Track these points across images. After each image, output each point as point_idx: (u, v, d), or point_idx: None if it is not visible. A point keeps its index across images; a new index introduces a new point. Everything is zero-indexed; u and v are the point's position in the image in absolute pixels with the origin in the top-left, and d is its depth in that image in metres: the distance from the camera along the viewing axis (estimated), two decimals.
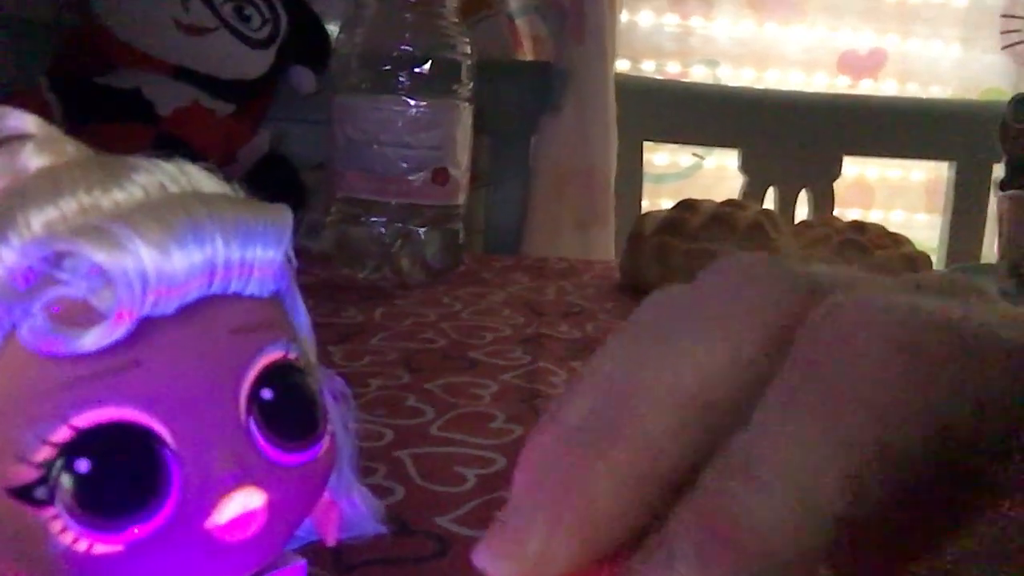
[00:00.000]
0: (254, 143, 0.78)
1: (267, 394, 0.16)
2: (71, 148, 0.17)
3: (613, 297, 0.76)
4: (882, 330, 0.12)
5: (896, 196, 1.37)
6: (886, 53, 1.31)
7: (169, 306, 0.14)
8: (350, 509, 0.20)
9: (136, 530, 0.14)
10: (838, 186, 1.20)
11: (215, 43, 0.76)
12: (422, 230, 0.76)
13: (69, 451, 0.14)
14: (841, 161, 1.19)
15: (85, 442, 0.14)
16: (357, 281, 0.74)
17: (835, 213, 1.19)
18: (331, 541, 0.18)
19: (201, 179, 0.17)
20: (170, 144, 0.73)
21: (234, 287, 0.15)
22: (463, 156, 0.76)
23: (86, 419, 0.14)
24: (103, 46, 0.77)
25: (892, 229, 0.83)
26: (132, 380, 0.14)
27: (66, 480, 0.14)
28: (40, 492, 0.13)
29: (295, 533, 0.18)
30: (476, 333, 0.62)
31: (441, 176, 0.74)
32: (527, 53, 1.07)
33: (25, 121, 0.16)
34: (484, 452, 0.42)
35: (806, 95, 1.21)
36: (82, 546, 0.14)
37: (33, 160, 0.16)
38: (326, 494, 0.18)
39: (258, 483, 0.15)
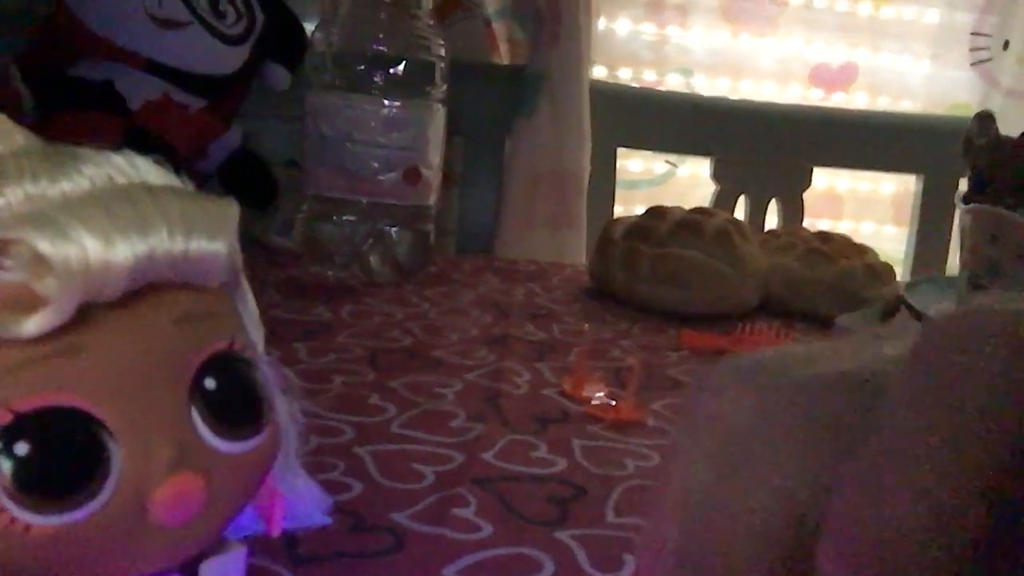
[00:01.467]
0: (226, 139, 0.78)
1: (210, 383, 0.16)
2: (20, 137, 0.17)
3: (581, 300, 0.77)
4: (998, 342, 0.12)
5: (865, 208, 1.39)
6: (858, 67, 1.33)
7: (112, 294, 0.15)
8: (295, 500, 0.20)
9: (74, 512, 0.14)
10: (808, 197, 1.21)
11: (188, 37, 0.75)
12: (393, 229, 0.76)
13: (9, 434, 0.14)
14: (811, 172, 1.20)
15: (25, 425, 0.14)
16: (326, 279, 0.74)
17: (805, 223, 1.21)
18: (275, 531, 0.19)
19: (149, 171, 0.17)
20: (141, 137, 0.73)
21: (180, 277, 0.16)
22: (435, 156, 0.77)
23: (26, 403, 0.14)
24: (75, 37, 0.76)
25: (861, 240, 0.84)
26: (73, 366, 0.14)
27: (5, 462, 0.14)
28: None
29: (242, 523, 0.18)
30: (443, 332, 0.63)
31: (413, 176, 0.75)
32: (503, 56, 1.08)
33: None
34: (443, 450, 0.43)
35: (778, 106, 1.23)
36: (20, 526, 0.14)
37: None
38: (270, 484, 0.19)
39: (198, 469, 0.15)
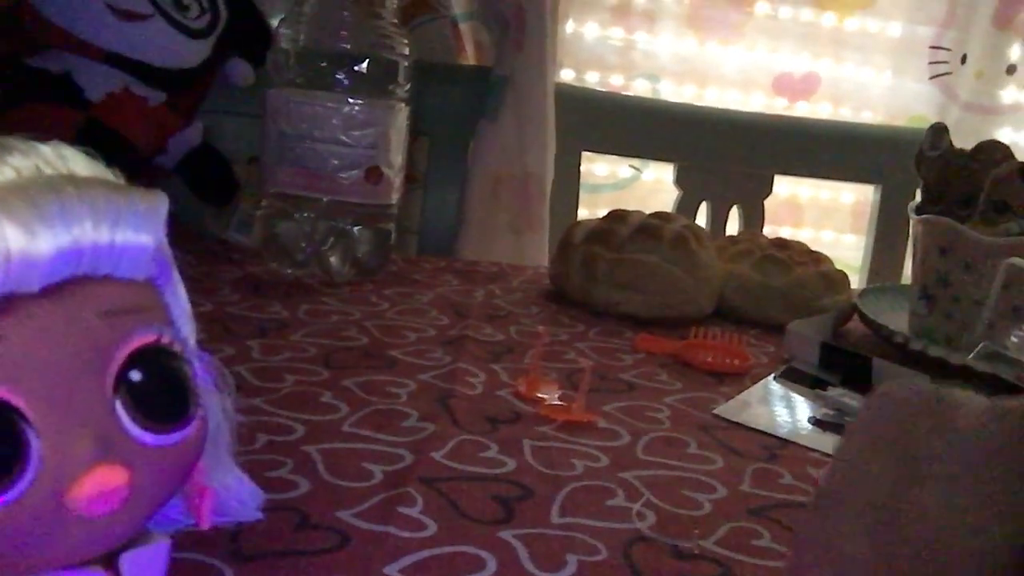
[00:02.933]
0: (186, 134, 0.77)
1: (136, 375, 0.16)
2: None
3: (540, 302, 0.77)
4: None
5: (825, 216, 1.42)
6: (820, 77, 1.36)
7: (34, 285, 0.15)
8: (225, 494, 0.20)
9: None
10: (770, 204, 1.23)
11: (150, 30, 0.75)
12: (354, 228, 0.76)
13: None
14: (772, 180, 1.22)
15: None
16: (284, 276, 0.74)
17: (766, 230, 1.22)
18: (205, 524, 0.19)
19: (78, 162, 0.17)
20: (98, 131, 0.72)
21: (105, 269, 0.16)
22: (397, 156, 0.77)
23: None
24: (35, 27, 0.75)
25: (820, 248, 0.86)
26: None
27: None
28: None
29: (172, 515, 0.18)
30: (399, 332, 0.63)
31: (374, 175, 0.75)
32: (469, 58, 1.08)
33: None
34: (393, 448, 0.43)
35: (742, 114, 1.24)
36: None
37: None
38: (200, 478, 0.19)
39: (121, 461, 0.16)
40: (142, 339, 0.16)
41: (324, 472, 0.40)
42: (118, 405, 0.16)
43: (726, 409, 0.55)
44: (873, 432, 0.19)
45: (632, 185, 1.33)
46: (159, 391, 0.17)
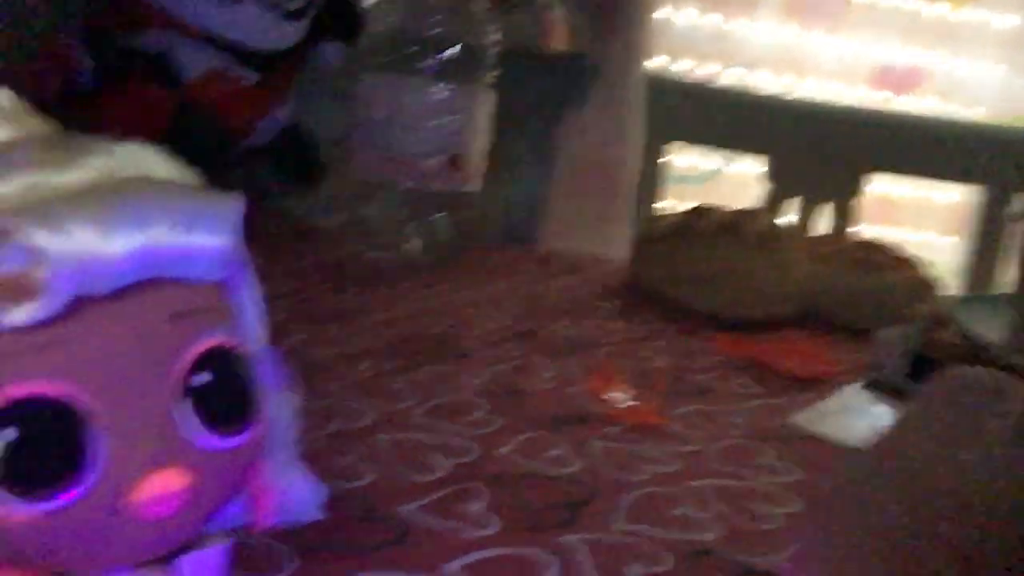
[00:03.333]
0: (277, 115, 0.78)
1: (201, 379, 0.16)
2: (35, 123, 0.17)
3: (616, 297, 0.76)
4: None
5: (922, 216, 1.36)
6: (925, 70, 1.29)
7: (104, 286, 0.15)
8: (287, 493, 0.20)
9: (56, 501, 0.15)
10: (863, 202, 1.19)
11: (247, 12, 0.76)
12: (434, 214, 0.76)
13: None
14: (867, 177, 1.18)
15: (11, 413, 0.14)
16: (364, 260, 0.75)
17: (857, 229, 1.18)
18: (263, 525, 0.19)
19: (155, 164, 0.17)
20: (193, 110, 0.74)
21: (177, 272, 0.16)
22: (481, 143, 0.77)
23: (12, 391, 0.14)
24: (134, 7, 0.77)
25: (915, 249, 0.82)
26: (62, 356, 0.15)
27: None
28: None
29: (231, 513, 0.19)
30: (473, 323, 0.63)
31: (457, 162, 0.75)
32: (559, 44, 1.07)
33: None
34: (461, 442, 0.43)
35: (837, 107, 1.20)
36: (4, 512, 0.14)
37: None
38: (263, 479, 0.19)
39: (182, 465, 0.16)
40: (209, 342, 0.17)
41: (392, 462, 0.40)
42: (182, 408, 0.16)
43: (805, 418, 0.53)
44: (925, 407, 0.19)
45: (718, 177, 1.30)
46: (223, 395, 0.17)
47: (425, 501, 0.37)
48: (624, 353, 0.60)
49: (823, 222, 1.17)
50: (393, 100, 0.73)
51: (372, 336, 0.57)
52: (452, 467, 0.40)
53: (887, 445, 0.19)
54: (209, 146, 0.72)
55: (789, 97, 1.24)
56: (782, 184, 1.16)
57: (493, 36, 0.76)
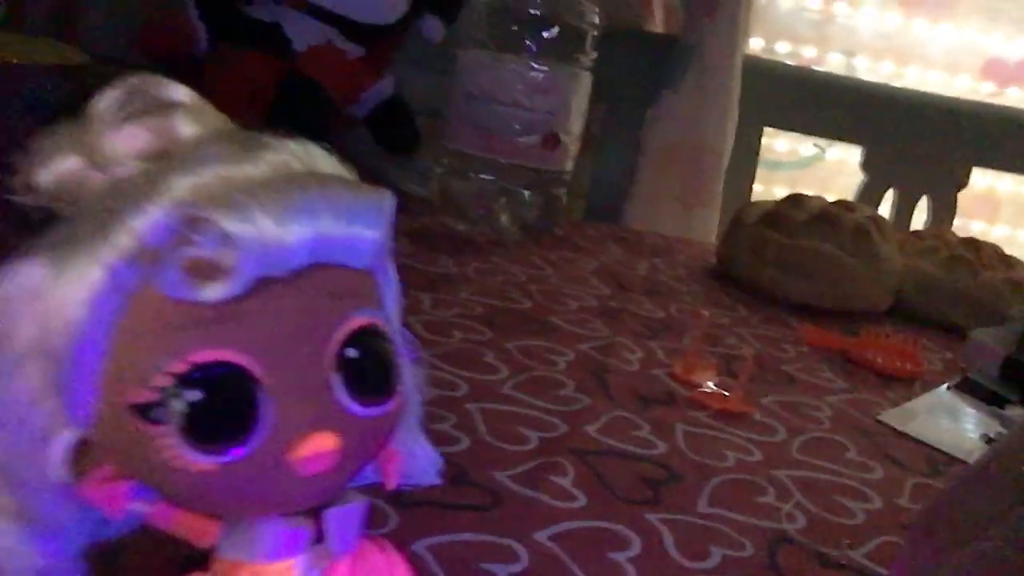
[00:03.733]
0: (379, 86, 0.81)
1: (352, 353, 0.18)
2: (215, 119, 0.19)
3: (703, 281, 0.76)
4: None
5: None
6: None
7: (280, 269, 0.17)
8: (411, 460, 0.22)
9: (229, 455, 0.17)
10: (963, 196, 1.15)
11: None
12: (525, 191, 0.77)
13: (183, 382, 0.16)
14: (969, 171, 1.14)
15: (197, 376, 0.16)
16: (456, 232, 0.77)
17: (956, 225, 1.15)
18: (390, 486, 0.21)
19: (320, 159, 0.19)
20: (300, 80, 0.77)
21: (337, 258, 0.18)
22: (576, 124, 0.77)
23: (200, 356, 0.16)
24: None
25: (1017, 248, 0.80)
26: (241, 328, 0.17)
27: (178, 405, 0.16)
28: (156, 412, 0.16)
29: (363, 473, 0.21)
30: (560, 299, 0.64)
31: (552, 141, 0.76)
32: (657, 24, 1.06)
33: (178, 91, 0.19)
34: (549, 417, 0.45)
35: (940, 98, 1.16)
36: (184, 462, 0.16)
37: (183, 127, 0.18)
38: (390, 444, 0.21)
39: (334, 429, 0.18)
40: (359, 321, 0.18)
41: (483, 431, 0.42)
42: (335, 379, 0.18)
43: (892, 415, 0.53)
44: None
45: (814, 165, 1.28)
46: (370, 368, 0.18)
47: (516, 471, 0.39)
48: (709, 339, 0.60)
49: (920, 216, 1.14)
50: (492, 77, 0.74)
51: (464, 307, 0.59)
52: (540, 440, 0.42)
53: (996, 458, 0.19)
54: (314, 115, 0.75)
55: (888, 85, 1.20)
56: (878, 175, 1.13)
57: (592, 17, 0.76)
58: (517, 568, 0.32)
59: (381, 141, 0.82)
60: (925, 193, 1.14)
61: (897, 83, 1.22)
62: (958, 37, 1.22)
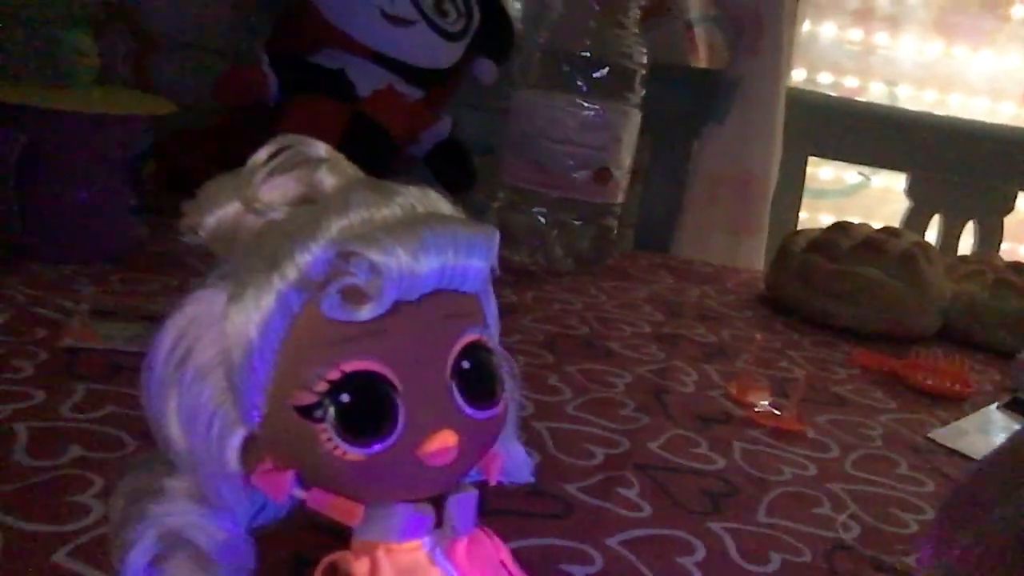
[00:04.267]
0: (437, 127, 0.85)
1: (465, 364, 0.22)
2: (351, 170, 0.23)
3: (753, 307, 0.79)
4: None
5: None
6: None
7: (413, 294, 0.20)
8: (509, 460, 0.26)
9: (373, 447, 0.20)
10: (1010, 222, 1.16)
11: (415, 34, 0.83)
12: (577, 223, 0.81)
13: (337, 387, 0.20)
14: (1015, 196, 1.15)
15: (347, 382, 0.20)
16: (513, 264, 0.80)
17: (1003, 249, 1.15)
18: (493, 481, 0.24)
19: (439, 202, 0.23)
20: (365, 122, 0.81)
21: (454, 285, 0.21)
22: (626, 158, 0.81)
23: (350, 366, 0.20)
24: (315, 28, 0.86)
25: None
26: (381, 343, 0.20)
27: (333, 406, 0.20)
28: (317, 412, 0.20)
29: (470, 472, 0.24)
30: (616, 325, 0.67)
31: (603, 176, 0.79)
32: (701, 60, 1.10)
33: (320, 148, 0.23)
34: (611, 435, 0.48)
35: (983, 124, 1.17)
36: (339, 453, 0.20)
37: (327, 179, 0.22)
38: (493, 448, 0.24)
39: (454, 428, 0.21)
40: (471, 337, 0.22)
41: (551, 448, 0.45)
42: (452, 386, 0.21)
43: (942, 434, 0.55)
44: None
45: (859, 192, 1.30)
46: (480, 378, 0.22)
47: (585, 483, 0.42)
48: (762, 362, 0.63)
49: (967, 240, 1.15)
50: (545, 116, 0.78)
51: (525, 333, 0.62)
52: (605, 456, 0.45)
53: (1004, 452, 0.21)
54: (379, 154, 0.79)
55: (931, 113, 1.22)
56: (923, 201, 1.15)
57: (641, 57, 0.80)
58: (593, 569, 0.35)
59: (440, 179, 0.86)
60: (971, 218, 1.15)
61: (940, 111, 1.24)
62: (999, 64, 1.24)
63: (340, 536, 0.22)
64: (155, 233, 0.65)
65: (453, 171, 0.87)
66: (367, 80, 0.82)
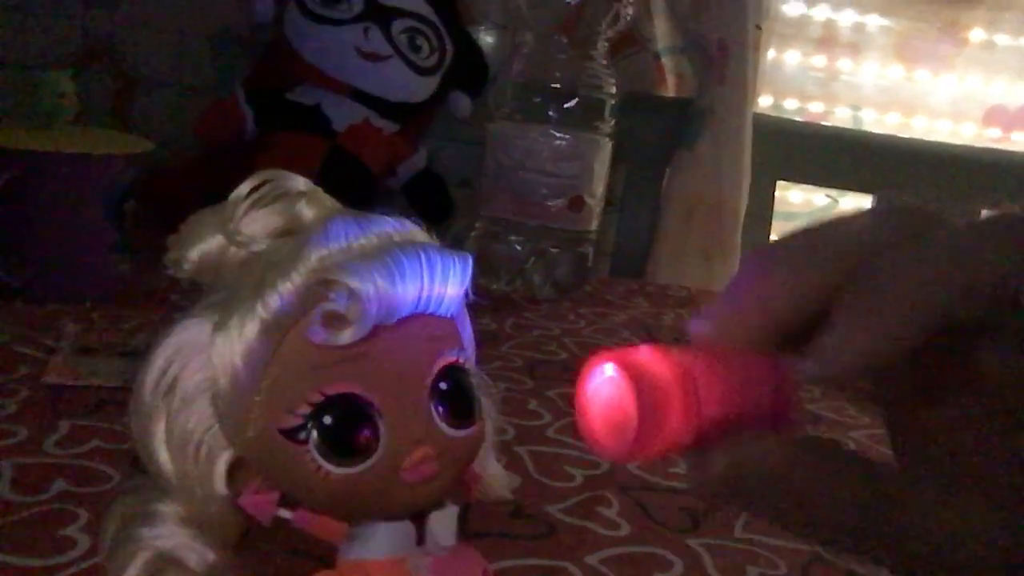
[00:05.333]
0: (413, 160, 0.86)
1: (443, 385, 0.23)
2: (329, 202, 0.24)
3: None
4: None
5: None
6: None
7: (392, 319, 0.21)
8: (488, 478, 0.26)
9: (356, 466, 0.21)
10: None
11: (389, 70, 0.85)
12: (554, 251, 0.82)
13: (320, 409, 0.21)
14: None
15: (329, 405, 0.21)
16: (492, 292, 0.81)
17: None
18: (471, 499, 0.25)
19: (414, 231, 0.24)
20: (341, 156, 0.83)
21: (431, 309, 0.22)
22: (599, 186, 0.82)
23: (332, 389, 0.21)
24: (292, 65, 0.87)
25: None
26: (362, 366, 0.21)
27: (316, 428, 0.21)
28: (301, 434, 0.21)
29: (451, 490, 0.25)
30: (595, 350, 0.68)
31: (577, 203, 0.81)
32: (669, 89, 1.12)
33: (299, 182, 0.24)
34: (591, 457, 0.48)
35: (947, 146, 1.21)
36: (322, 473, 0.21)
37: (307, 211, 0.23)
38: (473, 464, 0.25)
39: (433, 445, 0.22)
40: (448, 359, 0.23)
41: (533, 470, 0.46)
42: (432, 405, 0.22)
43: None
44: None
45: (829, 215, 1.32)
46: (457, 398, 0.23)
47: (566, 504, 0.42)
48: None
49: None
50: (519, 147, 0.80)
51: (505, 360, 0.63)
52: (585, 477, 0.46)
53: None
54: (356, 187, 0.81)
55: (895, 136, 1.25)
56: None
57: (610, 88, 0.82)
58: None
59: (418, 210, 0.87)
60: None
61: (904, 134, 1.27)
62: (959, 87, 1.27)
63: (325, 561, 0.23)
64: (137, 270, 0.65)
65: (430, 202, 0.89)
66: (343, 115, 0.84)
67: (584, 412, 0.19)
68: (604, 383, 0.19)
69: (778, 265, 0.20)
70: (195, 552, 0.21)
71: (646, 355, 0.19)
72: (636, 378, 0.18)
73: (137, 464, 0.23)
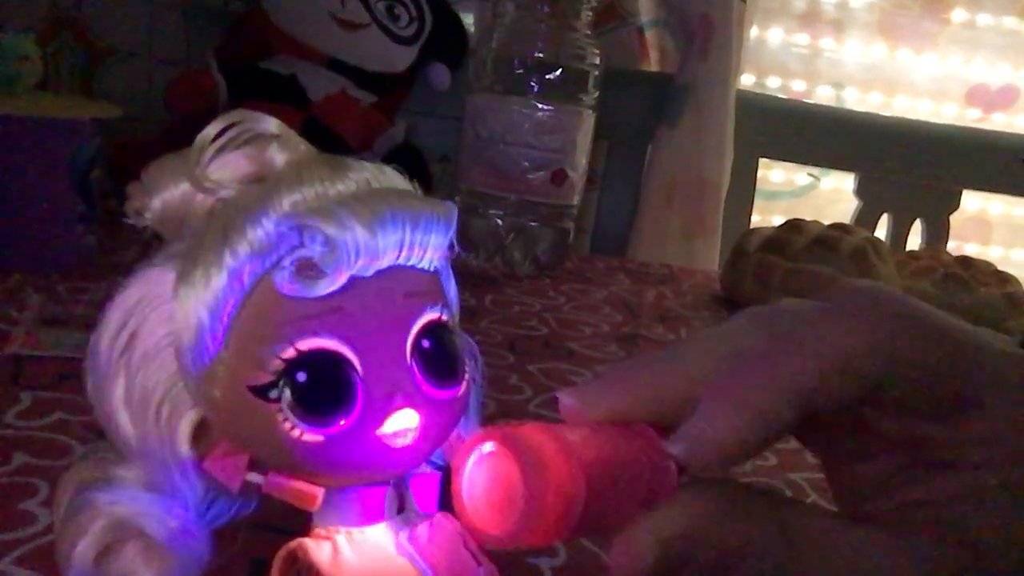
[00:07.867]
0: (391, 133, 0.84)
1: (425, 343, 0.21)
2: (303, 147, 0.22)
3: (710, 307, 0.79)
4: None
5: (1016, 235, 1.34)
6: (1020, 90, 1.29)
7: (369, 270, 0.20)
8: None
9: (332, 428, 0.19)
10: (956, 220, 1.19)
11: (366, 38, 0.83)
12: (535, 225, 0.81)
13: (292, 366, 0.19)
14: (960, 194, 1.18)
15: (303, 361, 0.19)
16: (471, 267, 0.80)
17: (950, 247, 1.18)
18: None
19: (394, 179, 0.22)
20: (317, 128, 0.80)
21: (412, 261, 0.21)
22: (582, 160, 0.81)
23: (305, 344, 0.19)
24: (266, 34, 0.85)
25: (1010, 268, 0.83)
26: (337, 320, 0.20)
27: (289, 386, 0.19)
28: (272, 393, 0.19)
29: (433, 460, 0.23)
30: (576, 326, 0.67)
31: (559, 177, 0.79)
32: (652, 64, 1.11)
33: (270, 123, 0.22)
34: None
35: (929, 124, 1.20)
36: (296, 434, 0.19)
37: (279, 155, 0.21)
38: (456, 430, 0.23)
39: (415, 407, 0.20)
40: (430, 316, 0.21)
41: None
42: (413, 364, 0.21)
43: None
44: None
45: (809, 194, 1.32)
46: (440, 357, 0.21)
47: None
48: None
49: (914, 239, 1.17)
50: (500, 119, 0.78)
51: (485, 335, 0.61)
52: None
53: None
54: None
55: (877, 114, 1.25)
56: (872, 201, 1.17)
57: (593, 59, 0.80)
58: (558, 562, 0.34)
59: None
60: (918, 217, 1.17)
61: (886, 112, 1.27)
62: (942, 67, 1.27)
63: (294, 535, 0.21)
64: (103, 241, 0.63)
65: (409, 176, 0.87)
66: (319, 85, 0.82)
67: (467, 494, 0.19)
68: (484, 460, 0.19)
69: (647, 358, 0.22)
70: (156, 519, 0.20)
71: (521, 430, 0.19)
72: (516, 448, 0.18)
73: (97, 441, 0.21)
